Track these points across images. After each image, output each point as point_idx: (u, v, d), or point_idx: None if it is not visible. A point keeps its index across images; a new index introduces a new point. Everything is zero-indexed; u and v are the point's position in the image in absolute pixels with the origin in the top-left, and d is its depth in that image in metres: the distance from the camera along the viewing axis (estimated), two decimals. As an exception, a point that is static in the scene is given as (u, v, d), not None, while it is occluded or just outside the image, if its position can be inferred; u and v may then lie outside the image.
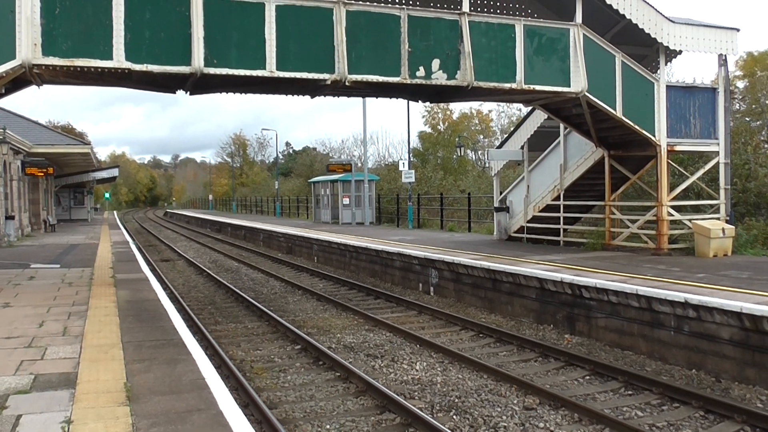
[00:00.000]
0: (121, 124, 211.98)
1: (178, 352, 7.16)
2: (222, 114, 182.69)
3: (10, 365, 6.68)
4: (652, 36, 14.61)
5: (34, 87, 12.19)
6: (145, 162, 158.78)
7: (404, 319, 13.31)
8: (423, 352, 10.52)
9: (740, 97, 30.51)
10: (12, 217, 24.81)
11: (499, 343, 11.12)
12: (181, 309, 13.32)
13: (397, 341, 11.28)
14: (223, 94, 14.11)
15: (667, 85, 15.26)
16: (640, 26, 14.46)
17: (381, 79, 12.39)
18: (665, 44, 14.82)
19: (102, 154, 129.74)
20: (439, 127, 54.59)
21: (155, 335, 8.05)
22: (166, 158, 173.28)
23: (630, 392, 8.41)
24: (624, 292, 10.28)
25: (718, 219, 15.41)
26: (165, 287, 15.83)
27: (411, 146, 38.10)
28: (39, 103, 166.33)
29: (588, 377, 9.08)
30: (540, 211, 18.50)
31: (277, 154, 71.46)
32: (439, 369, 9.53)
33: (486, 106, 56.56)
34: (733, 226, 14.99)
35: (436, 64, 12.63)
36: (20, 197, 29.12)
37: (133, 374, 6.28)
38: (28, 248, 22.09)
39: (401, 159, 40.31)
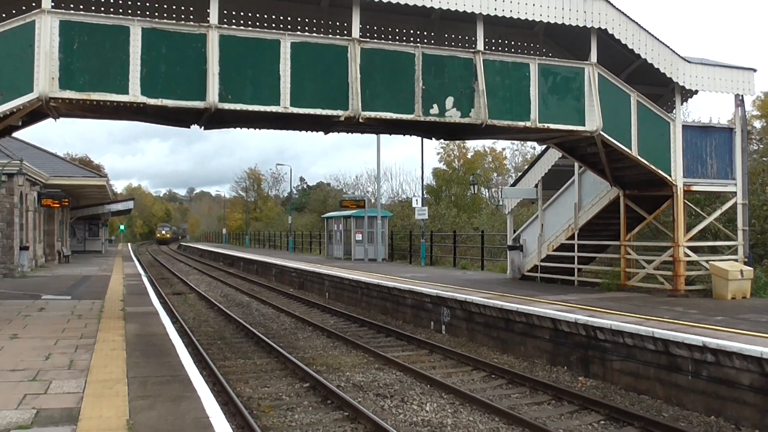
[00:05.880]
0: (146, 157, 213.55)
1: (183, 389, 7.04)
2: (246, 149, 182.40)
3: (12, 399, 6.58)
4: (668, 76, 14.59)
5: (51, 119, 12.36)
6: (161, 195, 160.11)
7: (415, 357, 13.10)
8: (433, 392, 10.30)
9: (758, 137, 30.32)
10: (26, 248, 24.94)
11: (511, 385, 10.89)
12: (190, 343, 13.20)
13: (407, 381, 11.07)
14: (242, 129, 14.16)
15: (683, 125, 15.17)
16: (656, 66, 14.44)
17: (394, 116, 12.39)
18: (681, 84, 14.78)
19: (121, 186, 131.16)
20: (454, 164, 54.68)
21: (161, 371, 7.94)
22: (183, 191, 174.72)
23: (647, 439, 8.16)
24: (640, 334, 10.05)
25: (736, 260, 15.15)
26: (175, 321, 15.76)
27: (425, 183, 38.12)
28: (68, 136, 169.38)
29: (603, 422, 8.83)
30: (554, 250, 18.30)
31: (291, 189, 71.96)
32: (449, 410, 9.31)
33: (500, 144, 56.76)
34: (752, 268, 14.73)
35: (449, 101, 12.62)
36: (35, 228, 29.34)
37: (137, 411, 6.16)
38: (40, 279, 22.14)
39: (415, 196, 40.22)
